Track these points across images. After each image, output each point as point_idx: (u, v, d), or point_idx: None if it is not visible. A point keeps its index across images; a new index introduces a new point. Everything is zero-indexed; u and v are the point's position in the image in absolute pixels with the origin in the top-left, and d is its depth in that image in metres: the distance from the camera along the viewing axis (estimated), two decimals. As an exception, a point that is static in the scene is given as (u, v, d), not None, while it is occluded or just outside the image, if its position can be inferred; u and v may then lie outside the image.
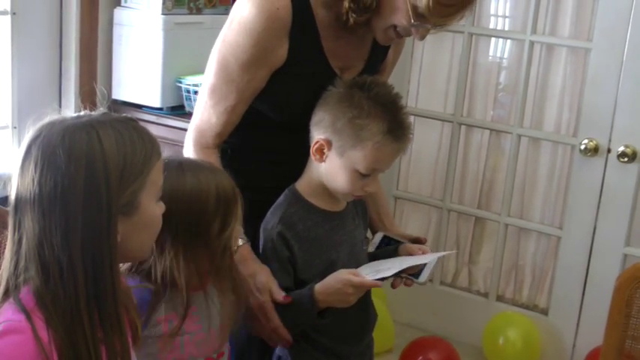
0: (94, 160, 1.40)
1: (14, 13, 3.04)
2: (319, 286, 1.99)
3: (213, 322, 1.88)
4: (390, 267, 2.06)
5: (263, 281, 2.03)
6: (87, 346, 1.40)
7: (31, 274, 1.41)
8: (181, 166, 1.84)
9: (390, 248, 2.27)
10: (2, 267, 1.46)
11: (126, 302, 1.54)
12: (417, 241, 2.31)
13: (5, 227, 1.51)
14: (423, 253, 2.20)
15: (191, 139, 2.19)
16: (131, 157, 1.44)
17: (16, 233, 1.43)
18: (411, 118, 3.90)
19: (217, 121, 2.14)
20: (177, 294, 1.80)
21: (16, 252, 1.43)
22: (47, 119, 1.45)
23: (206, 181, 1.82)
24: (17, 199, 1.43)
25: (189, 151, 2.19)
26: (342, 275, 1.98)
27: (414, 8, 2.00)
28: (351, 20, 2.06)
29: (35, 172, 1.39)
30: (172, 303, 1.80)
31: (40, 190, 1.39)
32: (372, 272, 2.03)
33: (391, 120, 2.00)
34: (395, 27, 2.09)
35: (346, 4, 2.04)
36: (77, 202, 1.39)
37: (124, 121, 1.49)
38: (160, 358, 1.81)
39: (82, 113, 1.48)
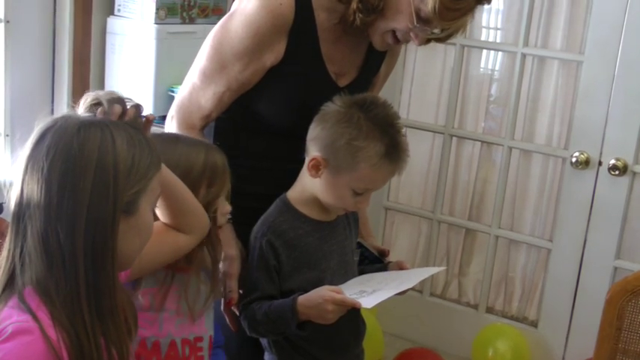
0: (105, 154, 1.43)
1: (7, 22, 3.04)
2: (302, 299, 2.00)
3: (192, 303, 1.92)
4: (375, 289, 2.06)
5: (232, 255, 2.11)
6: (87, 336, 1.42)
7: (33, 264, 1.42)
8: (177, 137, 1.96)
9: (377, 267, 2.30)
10: (2, 268, 1.47)
11: (123, 301, 1.54)
12: (382, 252, 2.34)
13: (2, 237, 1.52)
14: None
15: (176, 118, 2.20)
16: (139, 159, 1.48)
17: (21, 223, 1.44)
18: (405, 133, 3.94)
19: (205, 104, 2.16)
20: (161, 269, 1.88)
21: (20, 246, 1.44)
22: (61, 114, 1.49)
23: (196, 150, 1.91)
24: (24, 183, 1.44)
25: (172, 129, 2.20)
26: (324, 292, 1.98)
27: (418, 11, 2.03)
28: (358, 21, 2.07)
29: (47, 158, 1.41)
30: (154, 277, 1.87)
31: (50, 176, 1.41)
32: (356, 293, 2.03)
33: (388, 143, 2.00)
34: (394, 32, 2.11)
35: (354, 4, 2.06)
36: (85, 192, 1.41)
37: (134, 126, 1.53)
38: (138, 335, 1.82)
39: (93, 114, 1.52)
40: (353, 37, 2.15)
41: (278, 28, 2.08)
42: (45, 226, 1.41)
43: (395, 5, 2.07)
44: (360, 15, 2.07)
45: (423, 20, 2.05)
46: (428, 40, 2.13)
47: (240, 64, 2.10)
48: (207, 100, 2.15)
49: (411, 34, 2.10)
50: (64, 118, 1.47)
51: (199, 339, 1.95)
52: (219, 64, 2.12)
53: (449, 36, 2.14)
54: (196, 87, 2.16)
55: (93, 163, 1.42)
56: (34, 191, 1.42)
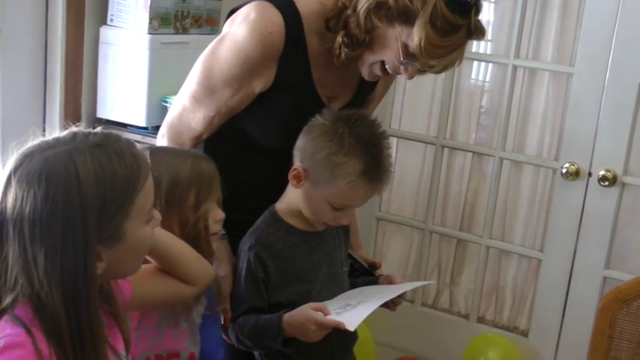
0: (71, 198, 1.38)
1: None
2: (287, 317, 2.00)
3: (170, 321, 1.93)
4: (359, 302, 2.06)
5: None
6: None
7: (23, 288, 1.41)
8: (165, 149, 2.01)
9: (368, 280, 2.30)
10: None
11: (121, 321, 1.54)
12: (372, 265, 2.35)
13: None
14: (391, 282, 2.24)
15: (166, 137, 2.20)
16: (111, 191, 1.42)
17: (3, 251, 1.42)
18: (394, 143, 3.94)
19: (196, 126, 2.16)
20: None
21: (4, 268, 1.43)
22: (28, 145, 1.44)
23: (183, 159, 1.95)
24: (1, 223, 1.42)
25: None
26: (308, 311, 1.98)
27: (405, 47, 2.00)
28: (343, 55, 2.06)
29: (15, 205, 1.39)
30: None
31: (22, 224, 1.38)
32: (340, 307, 2.03)
33: (369, 162, 1.99)
34: (382, 63, 2.08)
35: (339, 38, 2.05)
36: (55, 239, 1.38)
37: (106, 145, 1.45)
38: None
39: (62, 135, 1.46)
40: (346, 63, 2.13)
41: (267, 56, 2.07)
42: (24, 265, 1.39)
43: (382, 40, 2.04)
44: (346, 50, 2.05)
45: (410, 55, 2.02)
46: (422, 71, 2.09)
47: (229, 91, 2.10)
48: (198, 122, 2.15)
49: (401, 68, 2.08)
50: (28, 158, 1.42)
51: (174, 355, 1.94)
52: (208, 90, 2.12)
53: (445, 68, 2.10)
54: (186, 109, 2.16)
55: (59, 211, 1.38)
56: (9, 236, 1.40)
